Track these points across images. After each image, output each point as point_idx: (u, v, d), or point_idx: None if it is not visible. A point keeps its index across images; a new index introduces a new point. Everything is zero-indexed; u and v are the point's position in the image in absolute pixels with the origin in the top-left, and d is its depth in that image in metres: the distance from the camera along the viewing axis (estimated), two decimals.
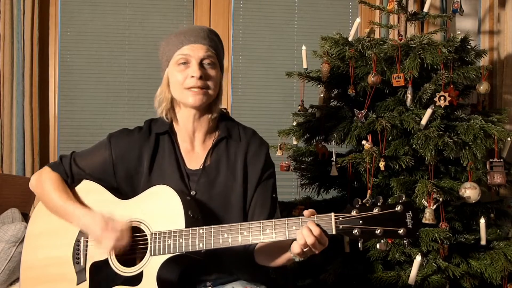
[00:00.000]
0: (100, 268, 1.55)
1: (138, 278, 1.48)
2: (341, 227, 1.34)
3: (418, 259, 2.03)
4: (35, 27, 3.02)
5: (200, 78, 1.54)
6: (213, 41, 1.60)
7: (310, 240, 1.33)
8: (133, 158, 1.62)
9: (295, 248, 1.36)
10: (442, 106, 2.22)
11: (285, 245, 1.44)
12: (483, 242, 2.23)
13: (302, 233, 1.34)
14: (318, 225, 1.34)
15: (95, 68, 3.26)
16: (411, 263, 2.09)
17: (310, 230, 1.33)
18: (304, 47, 2.59)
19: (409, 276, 2.06)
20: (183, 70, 1.56)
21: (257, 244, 1.58)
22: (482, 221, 2.22)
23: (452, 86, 2.25)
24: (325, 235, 1.35)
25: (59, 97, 3.21)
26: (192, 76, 1.54)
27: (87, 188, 1.64)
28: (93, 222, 1.54)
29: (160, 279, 1.45)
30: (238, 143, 1.64)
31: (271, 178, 1.66)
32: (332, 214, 1.35)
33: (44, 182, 1.65)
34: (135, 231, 1.53)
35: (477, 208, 2.33)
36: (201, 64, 1.56)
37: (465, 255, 2.23)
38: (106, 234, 1.50)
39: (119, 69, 3.28)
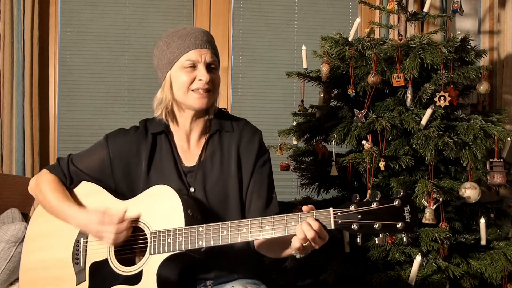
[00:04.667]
0: (100, 268, 1.55)
1: (137, 277, 1.48)
2: (339, 221, 1.34)
3: (418, 259, 2.03)
4: (35, 27, 3.02)
5: (208, 81, 1.56)
6: (214, 44, 1.63)
7: (310, 234, 1.33)
8: (130, 157, 1.63)
9: (295, 243, 1.37)
10: (442, 106, 2.22)
11: (286, 240, 1.43)
12: (483, 242, 2.23)
13: (301, 227, 1.35)
14: (317, 219, 1.35)
15: (95, 68, 3.26)
16: (411, 263, 2.08)
17: (310, 225, 1.34)
18: (304, 47, 2.59)
19: (409, 276, 2.06)
20: (190, 72, 1.57)
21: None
22: (482, 221, 2.22)
23: (452, 86, 2.25)
24: (324, 230, 1.35)
25: (59, 97, 3.21)
26: (201, 80, 1.56)
27: (87, 190, 1.65)
28: (89, 219, 1.55)
29: (159, 278, 1.45)
30: (231, 134, 1.65)
31: (266, 164, 1.66)
32: (331, 209, 1.36)
33: (42, 183, 1.66)
34: (135, 231, 1.53)
35: (477, 208, 2.33)
36: (207, 68, 1.58)
37: (465, 255, 2.23)
38: (105, 228, 1.51)
39: (119, 69, 3.28)
